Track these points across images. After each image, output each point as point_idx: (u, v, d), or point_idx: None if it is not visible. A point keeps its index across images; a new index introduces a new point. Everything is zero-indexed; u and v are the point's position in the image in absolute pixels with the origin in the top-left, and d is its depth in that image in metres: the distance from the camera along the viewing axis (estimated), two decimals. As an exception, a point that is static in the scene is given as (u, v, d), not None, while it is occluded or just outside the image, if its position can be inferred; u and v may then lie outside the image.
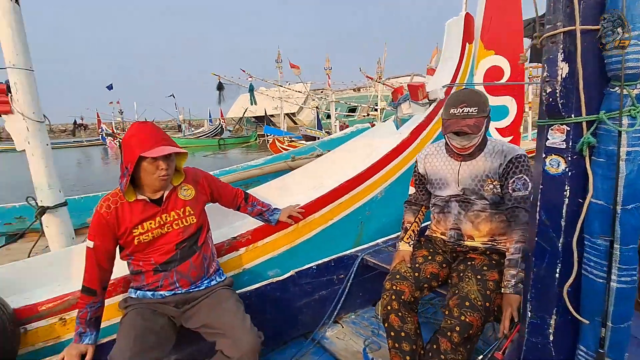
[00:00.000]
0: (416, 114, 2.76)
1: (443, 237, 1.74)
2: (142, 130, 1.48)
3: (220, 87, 14.86)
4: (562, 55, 0.89)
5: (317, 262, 2.12)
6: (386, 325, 1.59)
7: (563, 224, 0.95)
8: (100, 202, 1.52)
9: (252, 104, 15.37)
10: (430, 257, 1.71)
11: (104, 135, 27.98)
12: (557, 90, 0.91)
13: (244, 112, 28.11)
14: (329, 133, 12.32)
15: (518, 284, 1.38)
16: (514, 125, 3.19)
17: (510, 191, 1.51)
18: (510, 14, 2.98)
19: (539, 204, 1.00)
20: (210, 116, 35.28)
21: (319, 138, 11.08)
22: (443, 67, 2.94)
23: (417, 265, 1.67)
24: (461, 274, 1.54)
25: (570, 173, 0.93)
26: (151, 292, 1.56)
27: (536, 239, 1.02)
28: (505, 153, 1.56)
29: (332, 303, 2.12)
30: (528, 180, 1.50)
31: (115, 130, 30.59)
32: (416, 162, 1.84)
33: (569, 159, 0.93)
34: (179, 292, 1.58)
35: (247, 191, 2.05)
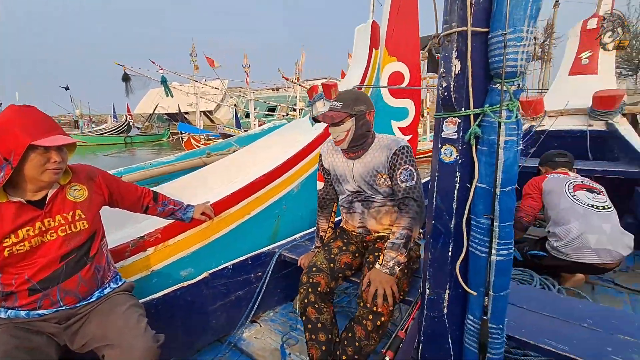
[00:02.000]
0: (331, 112, 2.84)
1: (353, 232, 1.82)
2: (27, 115, 1.22)
3: (126, 78, 13.42)
4: (456, 53, 0.97)
5: (232, 262, 2.02)
6: (303, 318, 1.59)
7: (454, 206, 1.05)
8: None
9: (168, 96, 14.19)
10: (344, 248, 1.76)
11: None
12: (451, 85, 0.99)
13: (155, 108, 25.90)
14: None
15: (395, 267, 1.47)
16: (413, 125, 3.52)
17: (399, 182, 1.57)
18: (409, 26, 3.26)
19: (435, 189, 1.09)
20: (114, 111, 31.67)
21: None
22: (353, 70, 3.10)
23: (332, 256, 1.71)
24: (371, 265, 1.59)
25: (460, 161, 1.03)
26: (26, 312, 1.29)
27: (433, 222, 1.10)
28: (390, 146, 1.61)
29: (249, 303, 2.04)
30: (414, 171, 1.57)
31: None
32: (320, 155, 1.88)
33: (460, 148, 1.03)
34: (62, 308, 1.33)
35: (156, 189, 1.87)
